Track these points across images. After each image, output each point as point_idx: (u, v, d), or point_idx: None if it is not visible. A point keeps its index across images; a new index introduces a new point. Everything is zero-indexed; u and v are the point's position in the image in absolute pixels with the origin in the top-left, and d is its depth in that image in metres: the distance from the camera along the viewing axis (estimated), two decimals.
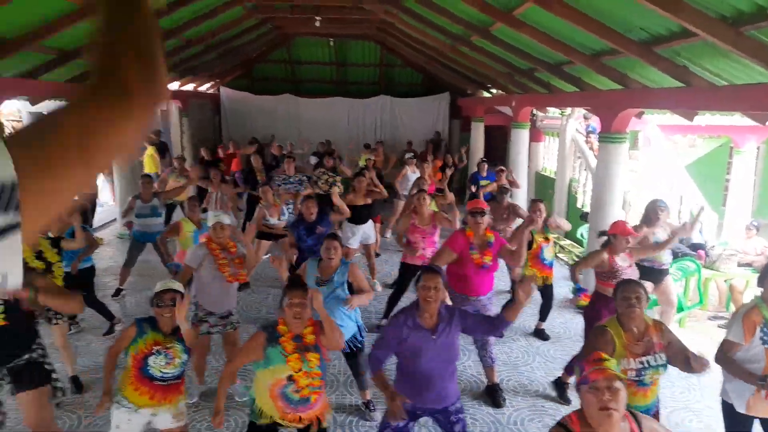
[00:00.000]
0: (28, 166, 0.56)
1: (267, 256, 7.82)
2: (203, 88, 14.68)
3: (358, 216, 6.80)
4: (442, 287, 3.00)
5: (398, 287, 5.79)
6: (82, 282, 5.16)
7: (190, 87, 13.66)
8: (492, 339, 4.43)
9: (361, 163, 10.22)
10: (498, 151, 13.50)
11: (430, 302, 2.97)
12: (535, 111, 11.04)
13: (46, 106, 9.86)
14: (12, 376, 3.16)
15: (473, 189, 9.05)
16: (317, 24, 9.66)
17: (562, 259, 8.44)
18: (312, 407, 2.92)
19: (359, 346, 4.09)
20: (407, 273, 5.53)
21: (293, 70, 15.48)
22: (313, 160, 9.88)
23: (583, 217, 8.71)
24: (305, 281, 3.94)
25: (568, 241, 9.25)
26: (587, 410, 2.03)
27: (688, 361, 2.90)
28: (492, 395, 4.48)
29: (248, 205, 8.92)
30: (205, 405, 4.26)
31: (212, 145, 12.86)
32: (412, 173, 9.23)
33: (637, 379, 2.92)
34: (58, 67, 7.27)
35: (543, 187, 11.37)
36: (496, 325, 3.08)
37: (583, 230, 8.28)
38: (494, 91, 11.87)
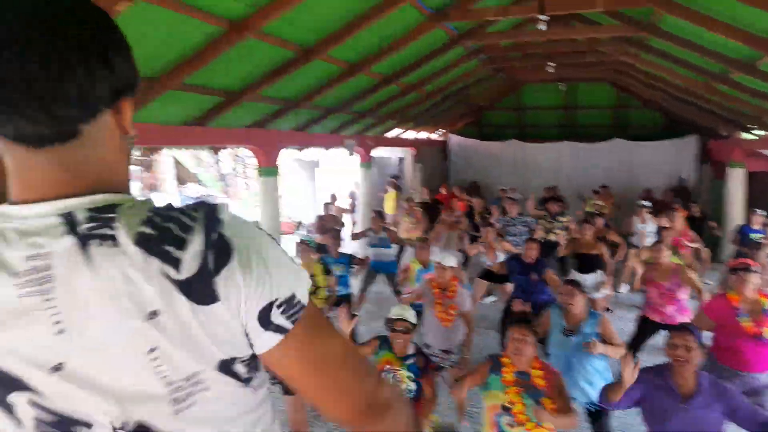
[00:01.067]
0: (309, 326, 0.81)
1: (491, 299, 7.91)
2: (434, 135, 15.74)
3: (584, 265, 6.47)
4: (695, 347, 2.70)
5: (634, 342, 5.28)
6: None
7: (423, 135, 14.81)
8: None
9: (588, 209, 9.73)
10: (763, 201, 11.49)
11: (681, 363, 2.69)
12: None
13: (311, 153, 11.67)
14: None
15: (736, 244, 7.61)
16: (550, 70, 9.67)
17: None
18: None
19: (607, 407, 3.82)
20: (645, 327, 5.04)
21: (520, 116, 15.62)
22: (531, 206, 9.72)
23: None
24: (547, 330, 3.90)
25: None
26: None
27: None
28: None
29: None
30: None
31: (436, 188, 13.62)
32: (640, 224, 8.43)
33: None
34: (322, 121, 8.63)
35: None
36: (762, 424, 2.57)
37: None
38: (760, 132, 10.28)
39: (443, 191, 11.91)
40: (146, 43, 4.28)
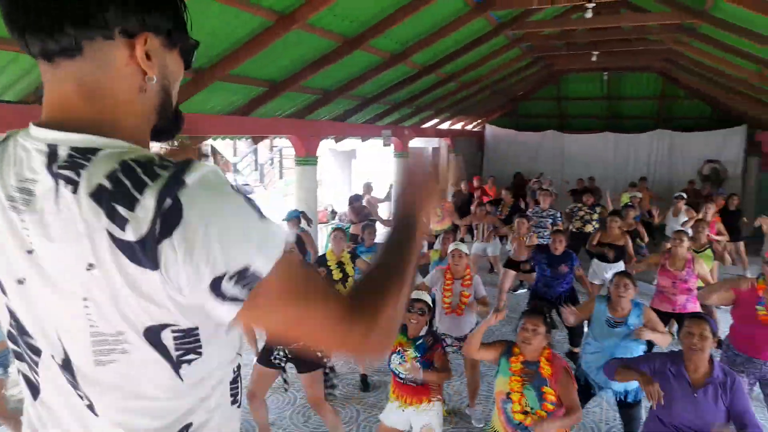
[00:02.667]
0: (269, 288, 0.75)
1: (522, 290, 7.84)
2: (470, 126, 15.59)
3: (608, 255, 6.42)
4: (709, 336, 2.74)
5: None
6: None
7: (458, 125, 14.68)
8: None
9: (624, 201, 9.52)
10: None
11: (695, 351, 2.74)
12: None
13: (347, 143, 11.73)
14: (291, 358, 3.78)
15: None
16: (594, 59, 9.43)
17: None
18: None
19: (636, 398, 3.79)
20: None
21: (560, 107, 15.31)
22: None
23: None
24: (591, 321, 3.88)
25: None
26: None
27: None
28: None
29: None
30: (447, 424, 4.43)
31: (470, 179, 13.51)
32: (673, 216, 8.23)
33: None
34: (360, 111, 8.64)
35: None
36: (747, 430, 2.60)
37: None
38: None
39: (475, 182, 11.78)
40: (195, 35, 4.33)
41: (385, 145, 10.25)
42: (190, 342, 0.78)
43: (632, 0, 7.43)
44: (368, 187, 9.94)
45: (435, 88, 9.32)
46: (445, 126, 13.79)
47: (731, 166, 12.97)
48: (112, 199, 0.69)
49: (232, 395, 0.91)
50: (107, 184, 0.69)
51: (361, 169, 14.62)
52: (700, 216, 7.40)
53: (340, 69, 6.51)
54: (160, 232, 0.68)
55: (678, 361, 2.84)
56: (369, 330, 0.82)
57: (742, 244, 8.64)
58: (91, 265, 0.71)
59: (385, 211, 12.13)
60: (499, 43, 8.48)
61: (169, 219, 0.68)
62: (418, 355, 3.33)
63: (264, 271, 0.74)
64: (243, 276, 0.72)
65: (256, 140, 9.72)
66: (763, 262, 4.00)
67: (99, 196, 0.69)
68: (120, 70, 0.78)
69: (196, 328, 0.78)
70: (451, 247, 4.67)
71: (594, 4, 6.19)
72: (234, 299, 0.73)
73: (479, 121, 15.75)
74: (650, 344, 4.10)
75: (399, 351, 3.36)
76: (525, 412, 2.87)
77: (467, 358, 4.31)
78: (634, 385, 3.69)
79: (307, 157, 7.79)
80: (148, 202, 0.68)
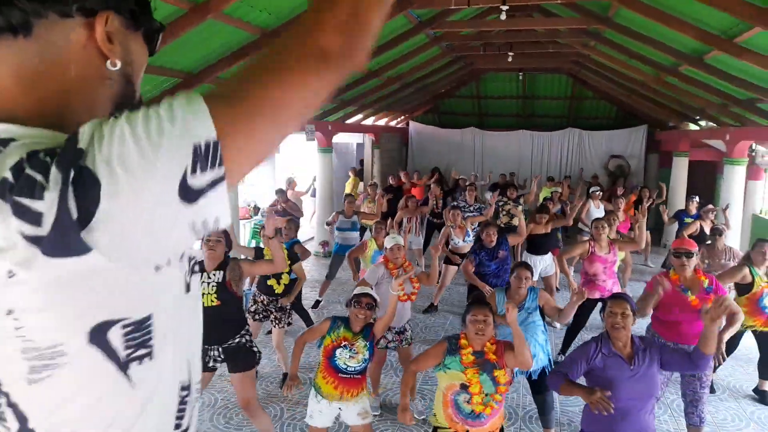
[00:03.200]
0: (227, 126, 0.59)
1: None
2: (394, 122, 15.76)
3: (538, 246, 6.78)
4: (630, 314, 2.93)
5: (577, 321, 5.56)
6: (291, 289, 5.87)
7: (382, 122, 14.80)
8: (704, 396, 3.94)
9: (545, 195, 10.04)
10: (702, 188, 12.11)
11: (619, 329, 2.91)
12: (754, 145, 9.74)
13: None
14: (225, 357, 3.70)
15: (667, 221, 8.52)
16: (509, 60, 9.81)
17: None
18: (482, 425, 2.96)
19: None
20: (584, 306, 5.29)
21: (479, 105, 15.82)
22: (488, 195, 9.91)
23: None
24: (495, 310, 4.06)
25: None
26: None
27: None
28: None
29: (427, 230, 9.28)
30: (388, 416, 4.53)
31: (398, 173, 13.69)
32: (596, 208, 8.79)
33: None
34: None
35: (761, 231, 9.89)
36: (694, 360, 2.86)
37: None
38: (703, 123, 10.77)
39: (403, 177, 11.96)
40: None
41: (308, 140, 10.15)
42: (141, 342, 0.68)
43: (544, 5, 7.79)
44: (292, 182, 9.82)
45: (359, 84, 9.33)
46: (369, 122, 13.85)
47: (634, 162, 14.03)
48: (16, 192, 0.57)
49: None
50: (10, 177, 0.57)
51: (284, 164, 14.39)
52: (612, 208, 8.02)
53: None
54: (78, 212, 0.55)
55: (606, 342, 2.97)
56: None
57: (648, 233, 9.34)
58: (10, 272, 0.58)
59: (309, 205, 12.01)
60: (420, 41, 8.62)
61: (85, 190, 0.55)
62: (367, 344, 3.38)
63: (212, 132, 0.59)
64: (197, 158, 0.58)
65: None
66: (672, 253, 4.16)
67: (2, 192, 0.57)
68: (75, 53, 0.68)
69: (149, 318, 0.68)
70: (389, 241, 4.67)
71: (507, 7, 6.43)
72: (213, 184, 0.59)
73: (403, 117, 15.95)
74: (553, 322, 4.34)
75: (346, 345, 3.35)
76: (485, 403, 2.93)
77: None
78: (542, 364, 3.93)
79: None
80: (53, 184, 0.56)
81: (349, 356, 3.35)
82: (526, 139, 14.78)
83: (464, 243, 6.88)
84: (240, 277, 3.72)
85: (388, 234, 5.88)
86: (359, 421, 3.45)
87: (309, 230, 11.74)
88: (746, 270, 4.65)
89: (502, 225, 8.24)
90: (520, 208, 8.13)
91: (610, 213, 7.45)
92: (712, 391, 5.03)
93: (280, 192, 8.63)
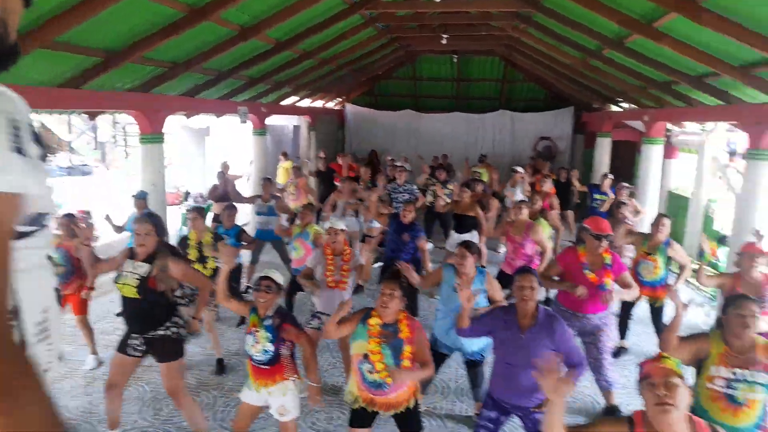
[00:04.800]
0: None
1: (378, 264, 8.13)
2: (330, 104, 15.59)
3: (462, 225, 6.95)
4: (536, 287, 3.14)
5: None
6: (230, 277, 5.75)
7: (318, 103, 14.60)
8: (606, 364, 4.30)
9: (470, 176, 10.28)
10: (625, 167, 12.82)
11: (526, 301, 3.11)
12: (670, 126, 10.38)
13: (201, 120, 11.08)
14: (149, 347, 3.62)
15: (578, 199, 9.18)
16: (443, 41, 9.90)
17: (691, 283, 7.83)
18: (385, 394, 3.05)
19: (481, 358, 4.17)
20: (501, 281, 5.53)
21: (415, 87, 15.91)
22: (422, 179, 10.05)
23: (722, 240, 8.05)
24: (441, 288, 4.14)
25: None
26: (647, 408, 1.99)
27: None
28: (611, 416, 4.31)
29: (356, 214, 9.31)
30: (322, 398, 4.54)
31: (333, 155, 13.58)
32: (511, 187, 9.15)
33: (726, 391, 2.72)
34: (212, 87, 8.19)
35: (675, 207, 10.62)
36: (575, 365, 3.06)
37: (721, 254, 7.66)
38: (624, 105, 11.35)
39: (339, 160, 11.88)
40: None
41: (241, 122, 9.87)
42: None
43: None
44: (226, 166, 9.54)
45: (293, 65, 9.13)
46: (305, 104, 13.63)
47: (561, 143, 14.63)
48: None
49: None
50: None
51: (217, 146, 13.96)
52: (537, 188, 8.33)
53: (187, 41, 6.10)
54: None
55: (511, 311, 3.21)
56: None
57: (570, 212, 9.80)
58: None
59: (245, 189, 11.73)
60: (355, 21, 8.53)
61: None
62: (270, 335, 3.24)
63: None
64: None
65: (93, 116, 8.77)
66: (585, 231, 4.46)
67: None
68: None
69: None
70: (326, 225, 4.66)
71: None
72: None
73: (339, 99, 15.81)
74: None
75: (252, 332, 3.26)
76: (379, 371, 3.01)
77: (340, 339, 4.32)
78: (481, 345, 4.05)
79: (152, 135, 7.22)
80: None
81: (252, 344, 3.24)
82: (461, 121, 15.05)
83: (379, 225, 6.91)
84: (166, 278, 3.53)
85: (320, 220, 5.87)
86: (278, 417, 3.34)
87: (244, 216, 11.49)
88: (640, 239, 5.37)
89: (429, 204, 8.44)
90: (447, 191, 8.32)
91: (534, 192, 7.72)
92: (616, 356, 5.44)
93: (220, 174, 8.37)
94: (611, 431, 2.08)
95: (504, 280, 5.40)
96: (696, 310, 6.64)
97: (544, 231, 6.32)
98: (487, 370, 3.96)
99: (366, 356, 3.03)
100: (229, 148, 14.52)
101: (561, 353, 2.98)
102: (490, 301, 4.08)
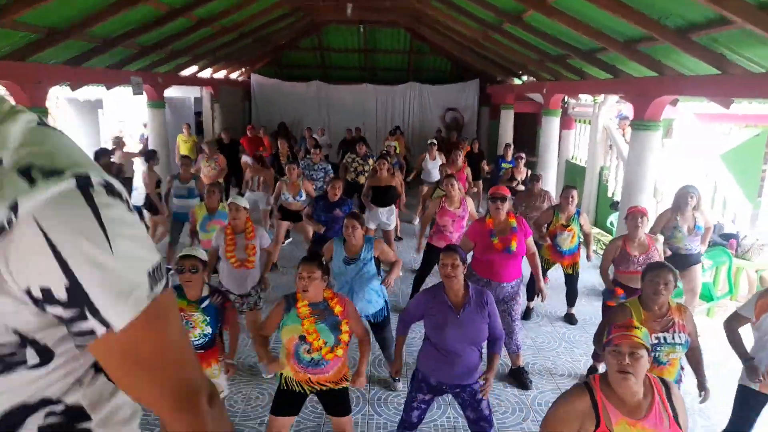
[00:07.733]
0: None
1: (287, 240, 8.00)
2: (234, 75, 14.92)
3: (380, 198, 6.97)
4: (460, 264, 3.14)
5: (423, 268, 5.93)
6: None
7: (221, 74, 13.92)
8: (517, 329, 4.52)
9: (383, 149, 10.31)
10: (527, 138, 13.43)
11: (451, 278, 3.12)
12: (566, 98, 10.95)
13: (85, 91, 10.21)
14: None
15: (488, 169, 9.75)
16: (349, 12, 9.72)
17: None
18: (323, 372, 3.03)
19: (385, 318, 4.26)
20: (432, 254, 5.64)
21: (322, 57, 15.60)
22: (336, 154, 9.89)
23: (613, 205, 8.68)
24: (332, 259, 4.15)
25: (597, 230, 9.22)
26: (608, 371, 2.15)
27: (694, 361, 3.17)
28: (518, 377, 4.57)
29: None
30: (239, 379, 4.46)
31: (241, 128, 13.07)
32: (431, 160, 9.24)
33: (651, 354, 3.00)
34: (100, 55, 7.53)
35: (573, 175, 11.31)
36: (497, 338, 3.22)
37: (613, 219, 8.26)
38: (525, 78, 11.80)
39: (249, 133, 11.46)
40: None
41: (135, 93, 9.18)
42: None
43: None
44: (119, 141, 8.88)
45: (189, 33, 8.59)
46: (206, 74, 12.94)
47: (468, 114, 15.03)
48: None
49: None
50: None
51: (110, 120, 12.98)
52: (458, 161, 8.43)
53: (65, 5, 5.52)
54: None
55: (439, 291, 3.17)
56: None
57: (480, 183, 10.12)
58: None
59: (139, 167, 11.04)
60: None
61: None
62: (208, 318, 3.11)
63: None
64: None
65: None
66: (487, 199, 4.64)
67: None
68: None
69: None
70: (228, 201, 4.48)
71: None
72: None
73: (244, 69, 15.17)
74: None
75: (183, 317, 3.08)
76: (318, 349, 2.96)
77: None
78: (381, 304, 4.13)
79: (32, 109, 6.53)
80: None
81: (188, 330, 3.11)
82: (370, 92, 15.00)
83: (295, 201, 6.82)
84: None
85: (227, 197, 5.60)
86: None
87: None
88: (551, 212, 5.60)
89: (350, 180, 8.33)
90: (367, 166, 8.25)
91: (445, 165, 7.89)
92: (528, 318, 5.79)
93: (103, 152, 7.58)
94: (574, 403, 2.15)
95: (436, 253, 5.50)
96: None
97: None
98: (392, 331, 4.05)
99: (302, 337, 2.96)
100: (127, 123, 13.57)
101: (490, 326, 3.10)
102: (383, 263, 4.25)
